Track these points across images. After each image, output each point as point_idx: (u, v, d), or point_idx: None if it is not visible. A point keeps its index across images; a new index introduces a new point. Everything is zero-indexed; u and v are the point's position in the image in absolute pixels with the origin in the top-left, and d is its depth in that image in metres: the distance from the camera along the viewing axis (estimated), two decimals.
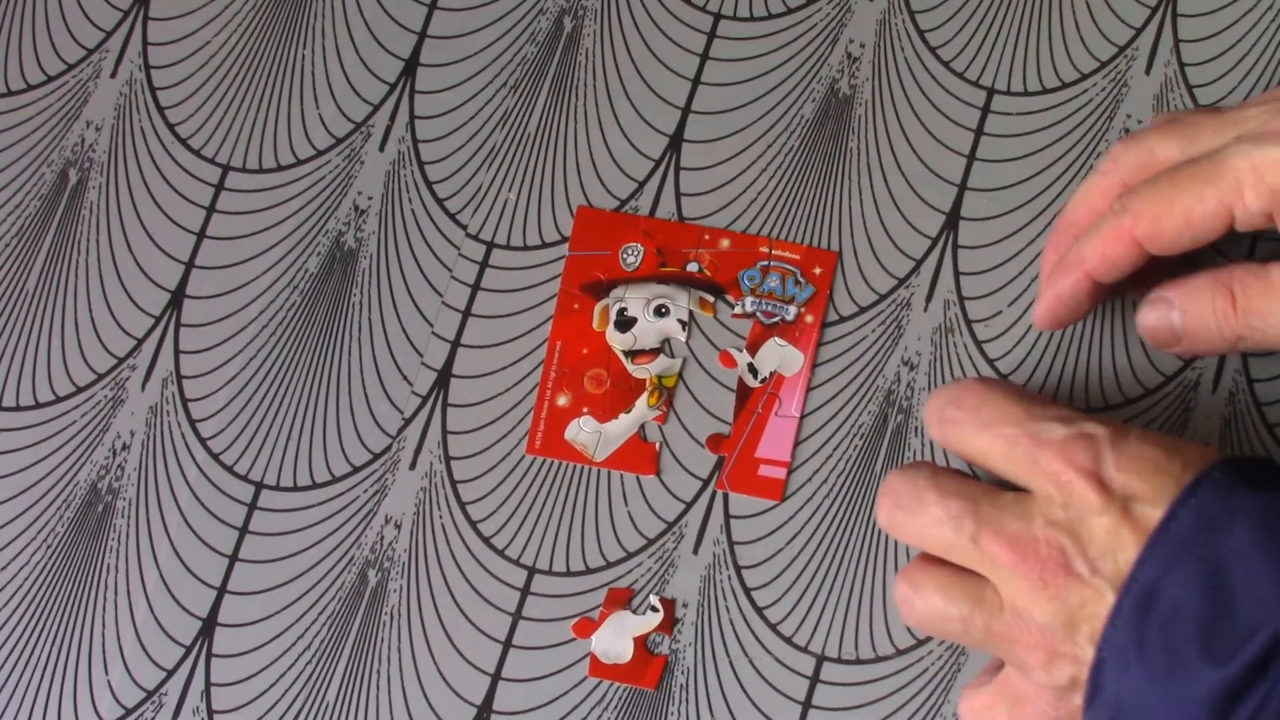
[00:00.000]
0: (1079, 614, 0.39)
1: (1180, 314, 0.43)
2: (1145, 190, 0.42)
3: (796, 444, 0.48)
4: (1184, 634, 0.37)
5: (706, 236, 0.50)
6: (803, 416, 0.49)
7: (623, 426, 0.49)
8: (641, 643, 0.47)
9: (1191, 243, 0.42)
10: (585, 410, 0.49)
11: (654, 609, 0.47)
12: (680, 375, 0.49)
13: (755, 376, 0.49)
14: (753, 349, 0.49)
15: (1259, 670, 0.36)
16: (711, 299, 0.50)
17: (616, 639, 0.47)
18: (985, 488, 0.41)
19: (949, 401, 0.43)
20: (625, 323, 0.50)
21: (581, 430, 0.49)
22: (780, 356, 0.49)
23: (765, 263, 0.50)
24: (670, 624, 0.47)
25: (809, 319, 0.49)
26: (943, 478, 0.42)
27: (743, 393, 0.49)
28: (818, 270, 0.50)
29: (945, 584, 0.41)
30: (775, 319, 0.49)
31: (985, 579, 0.41)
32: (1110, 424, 0.40)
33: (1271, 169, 0.39)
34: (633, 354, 0.49)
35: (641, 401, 0.49)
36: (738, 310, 0.50)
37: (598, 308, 0.50)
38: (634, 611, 0.47)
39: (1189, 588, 0.37)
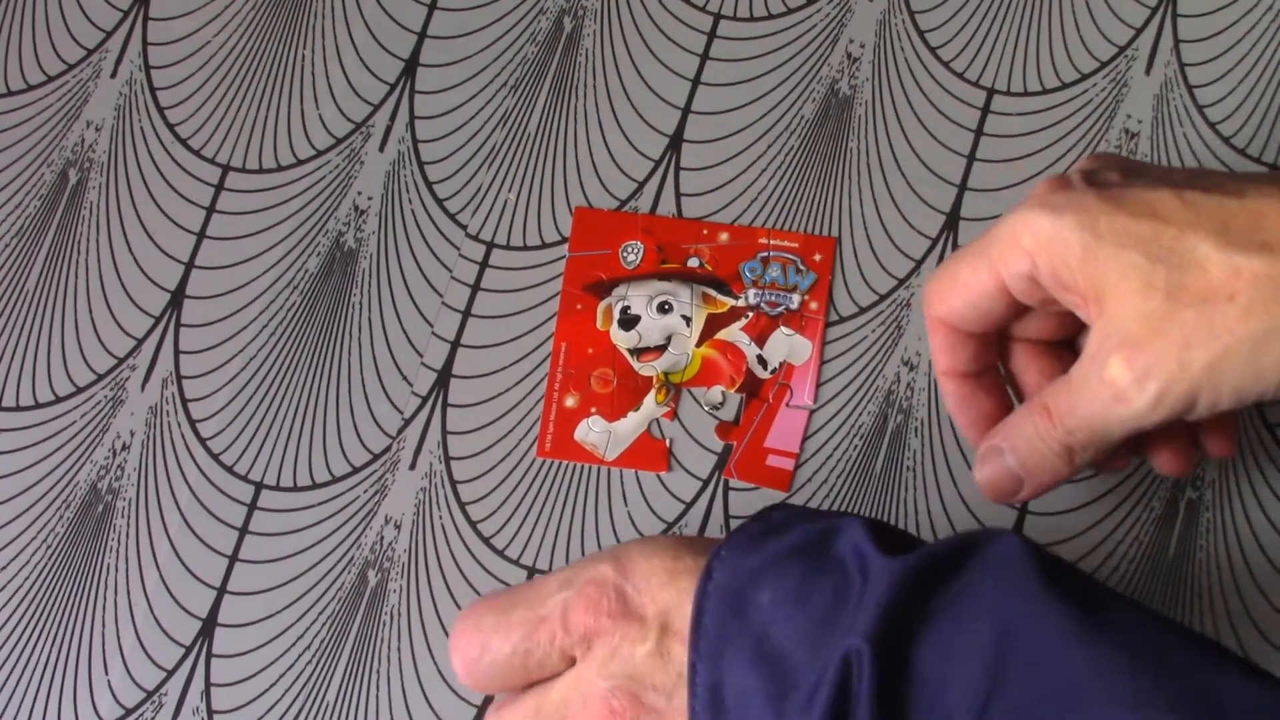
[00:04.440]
0: None
1: (1011, 452, 0.41)
2: (938, 269, 0.41)
3: (805, 438, 0.48)
4: (758, 714, 0.36)
5: (705, 231, 0.50)
6: (816, 407, 0.49)
7: (632, 425, 0.49)
8: None
9: (984, 316, 0.40)
10: (594, 410, 0.49)
11: None
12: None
13: (765, 368, 0.49)
14: (760, 341, 0.49)
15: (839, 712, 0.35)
16: (715, 295, 0.50)
17: None
18: (535, 694, 0.39)
19: (463, 642, 0.40)
20: (629, 321, 0.49)
21: (591, 430, 0.49)
22: (788, 346, 0.49)
23: (765, 253, 0.50)
24: None
25: (813, 305, 0.49)
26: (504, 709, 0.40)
27: (752, 385, 0.49)
28: (817, 257, 0.50)
29: None
30: (780, 308, 0.49)
31: None
32: (606, 559, 0.39)
33: (1024, 228, 0.38)
34: (638, 351, 0.49)
35: (649, 399, 0.49)
36: (741, 304, 0.50)
37: (601, 307, 0.50)
38: None
39: (745, 670, 0.36)
